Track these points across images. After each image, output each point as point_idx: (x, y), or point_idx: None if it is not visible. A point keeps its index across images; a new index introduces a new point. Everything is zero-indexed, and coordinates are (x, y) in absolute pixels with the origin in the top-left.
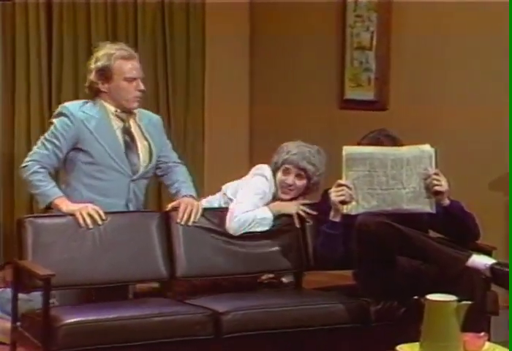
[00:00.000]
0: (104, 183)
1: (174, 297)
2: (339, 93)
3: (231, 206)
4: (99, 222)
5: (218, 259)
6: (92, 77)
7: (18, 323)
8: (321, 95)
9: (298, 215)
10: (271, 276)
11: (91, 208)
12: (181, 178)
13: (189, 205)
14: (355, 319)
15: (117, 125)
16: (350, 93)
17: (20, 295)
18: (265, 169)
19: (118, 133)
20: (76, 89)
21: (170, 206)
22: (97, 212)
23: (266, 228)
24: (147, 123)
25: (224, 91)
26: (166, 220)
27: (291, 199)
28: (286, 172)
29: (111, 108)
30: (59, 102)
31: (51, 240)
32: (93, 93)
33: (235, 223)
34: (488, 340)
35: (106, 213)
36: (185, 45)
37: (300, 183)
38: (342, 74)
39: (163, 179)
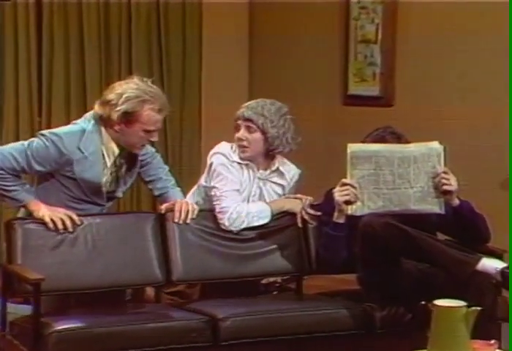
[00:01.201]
0: (75, 211)
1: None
2: (343, 89)
3: (216, 208)
4: (70, 229)
5: (215, 263)
6: (113, 115)
7: (7, 330)
8: (323, 91)
9: (302, 216)
10: (272, 279)
11: (62, 212)
12: (161, 175)
13: (184, 204)
14: (358, 326)
15: (110, 169)
16: (354, 89)
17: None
18: (219, 153)
19: (108, 172)
20: (67, 92)
21: (163, 208)
22: (69, 217)
23: (266, 221)
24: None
25: (223, 91)
26: (161, 221)
27: (261, 165)
28: (236, 128)
29: (115, 148)
30: (49, 104)
31: (41, 242)
32: (100, 122)
33: (228, 221)
34: (499, 348)
35: (99, 215)
36: (181, 46)
37: (252, 136)
38: (346, 68)
39: (141, 175)
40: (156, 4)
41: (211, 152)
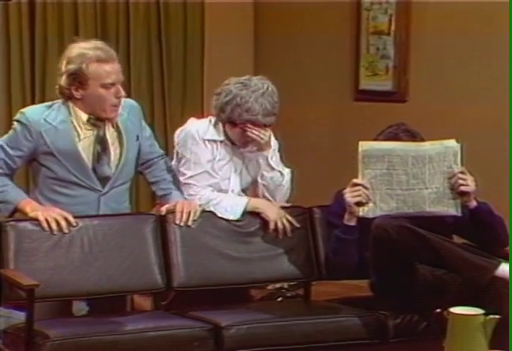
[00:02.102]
0: (70, 199)
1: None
2: (353, 84)
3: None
4: (65, 230)
5: (219, 268)
6: (63, 81)
7: None
8: (333, 85)
9: (277, 225)
10: (278, 286)
11: (57, 212)
12: (167, 176)
13: (186, 205)
14: (371, 335)
15: (85, 135)
16: (366, 84)
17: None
18: (184, 131)
19: (86, 144)
20: None
21: (164, 209)
22: (65, 218)
23: (233, 217)
24: (125, 118)
25: None
26: (161, 223)
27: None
28: (246, 128)
29: (83, 116)
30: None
31: (35, 246)
32: (65, 98)
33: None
34: None
35: (95, 216)
36: (182, 47)
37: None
38: (357, 62)
39: (146, 175)
40: (156, 3)
41: (182, 129)
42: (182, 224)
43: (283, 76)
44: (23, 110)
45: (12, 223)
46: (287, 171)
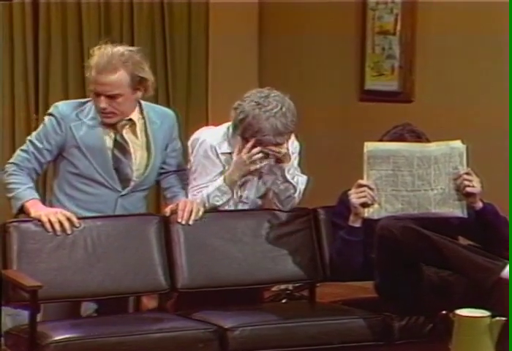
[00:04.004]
0: (88, 197)
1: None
2: (359, 84)
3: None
4: (68, 231)
5: (223, 269)
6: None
7: (2, 341)
8: (338, 86)
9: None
10: (283, 287)
11: (60, 213)
12: (180, 184)
13: (188, 204)
14: (376, 337)
15: (109, 135)
16: (371, 84)
17: (7, 310)
18: (204, 143)
19: (109, 145)
20: (65, 89)
21: (168, 210)
22: (68, 219)
23: (228, 196)
24: (157, 128)
25: (231, 92)
26: (165, 224)
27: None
28: (260, 145)
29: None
30: (47, 105)
31: (38, 247)
32: None
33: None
34: None
35: (99, 217)
36: (186, 47)
37: (284, 147)
38: (362, 62)
39: (160, 181)
40: (160, 3)
41: (196, 138)
42: (183, 222)
43: (288, 76)
44: (56, 103)
45: (15, 224)
46: (301, 181)
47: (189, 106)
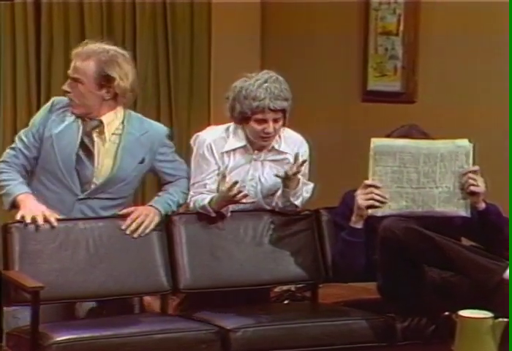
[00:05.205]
0: (50, 193)
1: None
2: (361, 84)
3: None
4: (40, 222)
5: (225, 270)
6: None
7: (3, 342)
8: (341, 86)
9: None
10: (286, 288)
11: (40, 211)
12: (170, 189)
13: (142, 215)
14: (379, 338)
15: (79, 135)
16: (374, 84)
17: (8, 311)
18: (205, 141)
19: (77, 144)
20: None
21: (123, 212)
22: (46, 220)
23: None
24: (134, 139)
25: None
26: (167, 225)
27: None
28: (262, 121)
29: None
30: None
31: (40, 248)
32: None
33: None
34: None
35: (101, 218)
36: (189, 46)
37: (279, 125)
38: (365, 62)
39: (161, 182)
40: (163, 3)
41: (196, 135)
42: (127, 232)
43: (290, 76)
44: (54, 97)
45: (16, 225)
46: (306, 189)
47: (191, 106)
